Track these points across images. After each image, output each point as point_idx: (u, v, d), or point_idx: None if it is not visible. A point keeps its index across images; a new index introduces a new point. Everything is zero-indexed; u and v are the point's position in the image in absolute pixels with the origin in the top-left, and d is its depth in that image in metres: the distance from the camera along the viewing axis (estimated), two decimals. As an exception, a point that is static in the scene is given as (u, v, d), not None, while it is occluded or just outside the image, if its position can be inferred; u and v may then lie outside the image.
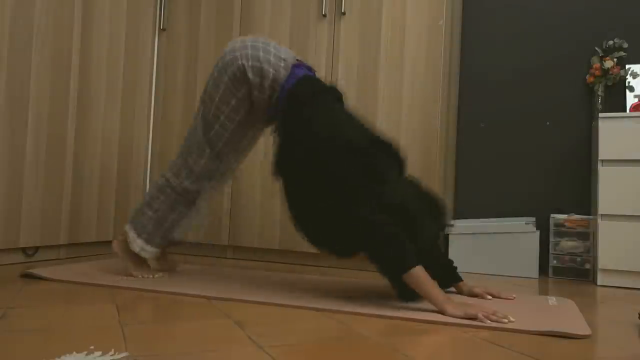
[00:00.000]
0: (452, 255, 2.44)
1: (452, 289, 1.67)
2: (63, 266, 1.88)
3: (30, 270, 1.71)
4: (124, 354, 0.89)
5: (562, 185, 2.59)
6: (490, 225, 2.41)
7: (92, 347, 0.93)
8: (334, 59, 2.35)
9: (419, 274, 1.32)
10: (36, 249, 2.10)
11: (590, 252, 2.32)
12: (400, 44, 2.26)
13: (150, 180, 2.64)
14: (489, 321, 1.25)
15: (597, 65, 2.49)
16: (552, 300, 1.65)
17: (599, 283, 2.17)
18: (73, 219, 2.20)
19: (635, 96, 2.42)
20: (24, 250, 2.05)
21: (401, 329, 1.19)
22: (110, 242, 2.47)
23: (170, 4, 2.65)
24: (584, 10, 2.60)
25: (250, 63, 1.56)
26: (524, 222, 2.41)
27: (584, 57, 2.58)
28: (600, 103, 2.47)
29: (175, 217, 1.75)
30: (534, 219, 2.53)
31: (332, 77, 2.35)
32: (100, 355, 0.87)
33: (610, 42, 2.50)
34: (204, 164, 1.68)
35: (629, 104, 2.41)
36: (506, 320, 1.25)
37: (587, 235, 2.34)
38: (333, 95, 1.60)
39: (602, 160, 2.18)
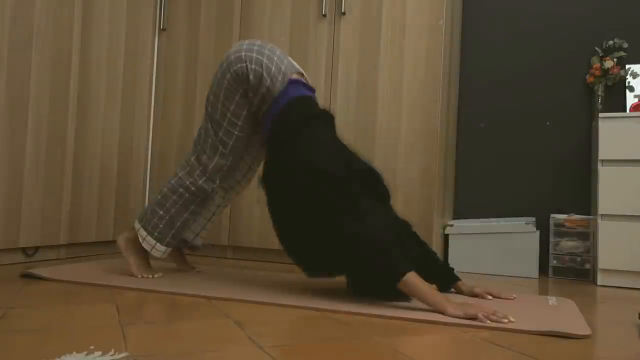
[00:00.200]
0: (452, 255, 2.44)
1: (452, 289, 1.67)
2: (63, 266, 1.88)
3: (30, 270, 1.71)
4: (124, 354, 0.89)
5: (562, 185, 2.59)
6: (490, 225, 2.41)
7: (92, 347, 0.94)
8: (334, 59, 2.35)
9: (413, 280, 1.31)
10: (36, 249, 2.10)
11: (590, 252, 2.32)
12: (400, 44, 2.26)
13: (150, 180, 2.64)
14: (489, 321, 1.25)
15: (597, 65, 2.49)
16: (552, 300, 1.65)
17: (599, 283, 2.17)
18: (73, 219, 2.20)
19: (635, 96, 2.42)
20: (24, 250, 2.05)
21: (401, 329, 1.19)
22: (110, 242, 2.47)
23: (170, 4, 2.65)
24: (584, 10, 2.60)
25: (253, 66, 1.60)
26: (524, 222, 2.41)
27: (584, 57, 2.58)
28: (600, 103, 2.47)
29: (187, 216, 1.76)
30: (534, 219, 2.53)
31: (332, 77, 2.35)
32: (100, 355, 0.87)
33: (610, 42, 2.50)
34: (217, 161, 1.71)
35: (629, 104, 2.41)
36: (506, 320, 1.25)
37: (587, 235, 2.34)
38: (323, 119, 1.61)
39: (602, 160, 2.18)
